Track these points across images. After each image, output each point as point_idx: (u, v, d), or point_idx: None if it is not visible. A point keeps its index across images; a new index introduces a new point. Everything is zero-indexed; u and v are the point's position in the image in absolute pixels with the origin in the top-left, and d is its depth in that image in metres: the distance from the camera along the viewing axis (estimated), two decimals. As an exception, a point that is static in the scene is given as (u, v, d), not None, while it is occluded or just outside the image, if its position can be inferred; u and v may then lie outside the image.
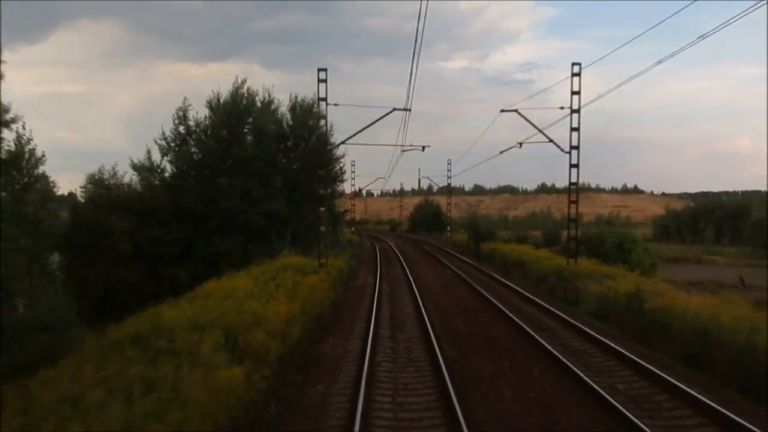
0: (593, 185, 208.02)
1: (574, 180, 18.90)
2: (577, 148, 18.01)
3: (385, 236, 60.49)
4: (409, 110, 18.90)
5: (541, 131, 18.80)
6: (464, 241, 39.08)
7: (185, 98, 26.26)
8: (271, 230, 23.57)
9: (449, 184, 47.65)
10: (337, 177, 28.34)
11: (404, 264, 27.65)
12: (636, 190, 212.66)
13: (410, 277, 22.05)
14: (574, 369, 9.02)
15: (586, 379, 8.49)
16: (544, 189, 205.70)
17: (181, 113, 26.21)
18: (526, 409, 7.56)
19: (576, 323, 12.60)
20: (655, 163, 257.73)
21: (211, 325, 8.31)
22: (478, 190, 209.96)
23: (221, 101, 26.25)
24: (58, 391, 5.97)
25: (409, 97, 29.54)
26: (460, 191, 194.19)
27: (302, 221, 24.93)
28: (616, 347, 10.34)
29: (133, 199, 24.21)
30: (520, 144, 20.60)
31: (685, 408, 7.58)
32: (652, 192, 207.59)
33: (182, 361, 6.79)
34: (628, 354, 9.85)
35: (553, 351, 10.21)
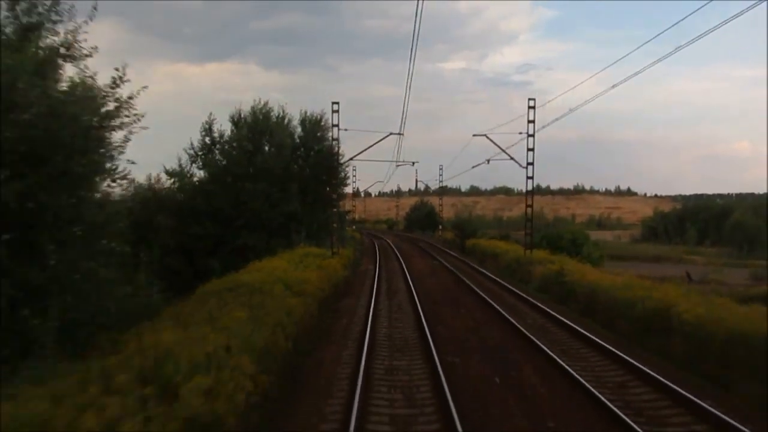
0: (587, 187, 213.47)
1: (530, 188, 24.10)
2: (532, 164, 23.30)
3: (383, 235, 65.76)
4: (402, 134, 24.09)
5: (504, 151, 24.12)
6: (452, 238, 44.36)
7: (211, 113, 31.55)
8: (290, 227, 28.67)
9: (441, 187, 52.87)
10: (342, 182, 33.50)
11: (399, 257, 32.85)
12: (629, 192, 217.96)
13: (404, 266, 27.23)
14: (503, 313, 14.22)
15: (508, 317, 13.69)
16: (538, 190, 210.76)
17: (206, 126, 31.40)
18: (466, 330, 12.75)
19: (518, 292, 17.84)
20: (653, 164, 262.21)
21: (273, 282, 13.43)
22: (474, 191, 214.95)
23: (243, 117, 31.51)
24: (200, 311, 11.06)
25: (402, 122, 34.66)
26: (457, 192, 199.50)
27: (314, 220, 30.06)
28: (537, 303, 15.57)
29: (174, 201, 29.31)
30: (488, 161, 25.88)
31: (563, 333, 12.71)
32: (645, 194, 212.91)
33: (265, 296, 11.89)
34: (542, 307, 15.07)
35: (494, 305, 15.42)
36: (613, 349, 10.41)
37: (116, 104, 11.59)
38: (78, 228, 10.35)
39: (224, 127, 31.49)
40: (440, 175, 51.04)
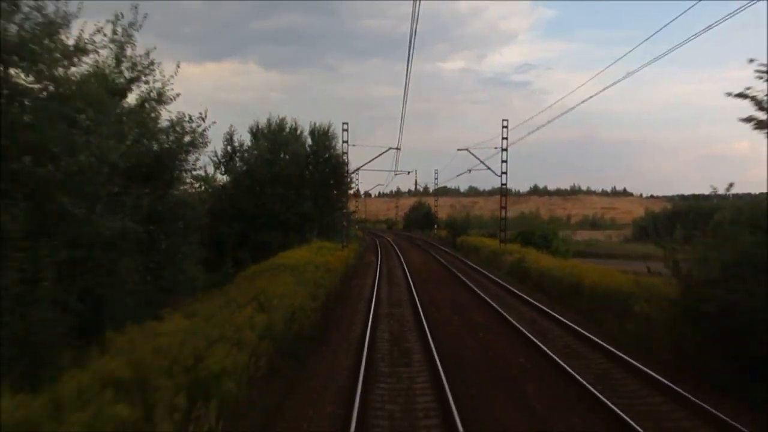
0: (584, 187, 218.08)
1: (504, 193, 29.32)
2: (505, 173, 28.57)
3: (383, 233, 71.04)
4: (399, 149, 29.29)
5: (482, 162, 29.39)
6: (445, 236, 49.64)
7: (231, 125, 36.90)
8: (304, 225, 33.89)
9: (435, 189, 58.07)
10: (348, 188, 38.72)
11: (398, 251, 38.07)
12: (625, 193, 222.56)
13: (401, 258, 32.41)
14: (474, 288, 19.43)
15: (477, 290, 18.91)
16: (536, 191, 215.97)
17: (228, 136, 36.65)
18: (444, 298, 17.97)
19: (490, 275, 23.06)
20: (652, 165, 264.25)
21: (305, 263, 18.57)
22: (472, 192, 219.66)
23: (260, 129, 36.86)
24: (261, 278, 16.21)
25: (399, 137, 39.62)
26: (456, 192, 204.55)
27: (324, 219, 35.26)
28: (501, 282, 20.80)
29: (207, 202, 34.54)
30: (470, 170, 31.17)
31: (512, 299, 17.89)
32: (641, 195, 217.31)
33: (300, 272, 17.03)
34: (504, 284, 20.30)
35: (469, 283, 20.63)
36: (539, 305, 15.62)
37: (196, 135, 16.77)
38: (180, 223, 15.53)
39: (240, 135, 36.81)
40: (435, 178, 56.36)
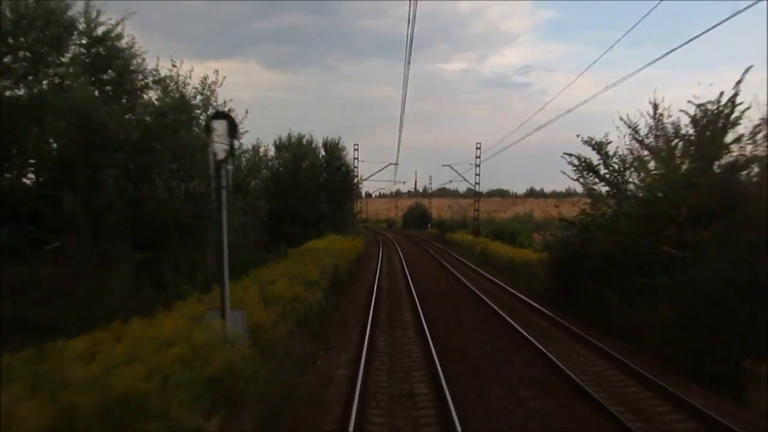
0: (579, 190, 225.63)
1: (476, 193, 38.09)
2: (478, 183, 37.34)
3: (383, 231, 79.73)
4: (397, 164, 38.00)
5: (460, 175, 38.07)
6: (436, 233, 58.51)
7: (257, 138, 45.50)
8: (320, 222, 42.62)
9: (435, 191, 66.77)
10: (356, 194, 47.50)
11: (396, 245, 46.79)
12: None
13: (399, 251, 41.09)
14: (449, 267, 28.17)
15: (451, 269, 27.65)
16: (532, 193, 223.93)
17: (254, 147, 45.29)
18: (427, 274, 26.69)
19: (463, 260, 31.82)
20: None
21: (329, 248, 27.22)
22: (471, 193, 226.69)
23: (282, 143, 45.57)
24: (304, 255, 24.95)
25: (397, 153, 48.17)
26: (455, 194, 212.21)
27: (336, 218, 43.97)
28: (467, 262, 29.58)
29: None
30: (450, 181, 39.89)
31: (475, 274, 26.58)
32: None
33: (329, 253, 25.64)
34: (470, 265, 29.07)
35: (446, 265, 29.37)
36: (485, 273, 24.35)
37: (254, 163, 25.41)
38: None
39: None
40: (430, 183, 65.20)
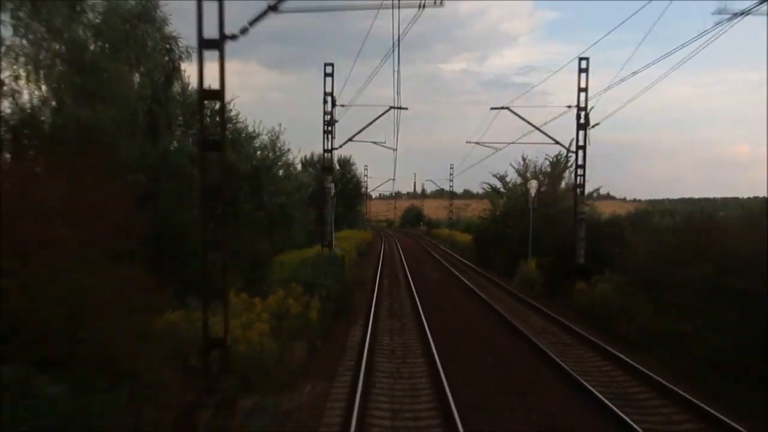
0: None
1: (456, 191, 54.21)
2: (452, 189, 53.32)
3: (384, 230, 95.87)
4: (395, 180, 54.07)
5: (440, 187, 54.06)
6: (425, 230, 74.82)
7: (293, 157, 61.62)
8: (337, 221, 58.63)
9: (425, 193, 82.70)
10: (365, 200, 63.68)
11: (394, 239, 62.85)
12: (608, 197, 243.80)
13: (396, 240, 57.03)
14: (432, 252, 44.20)
15: (433, 253, 43.72)
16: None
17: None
18: (414, 256, 42.74)
19: (435, 243, 48.04)
20: (651, 168, 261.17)
21: (351, 236, 43.00)
22: (467, 195, 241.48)
23: (308, 159, 61.60)
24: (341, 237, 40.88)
25: (394, 171, 64.72)
26: (454, 195, 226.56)
27: (348, 217, 59.97)
28: (442, 247, 45.75)
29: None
30: (428, 190, 55.72)
31: (447, 255, 42.49)
32: (625, 198, 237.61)
33: (350, 240, 41.45)
34: (442, 247, 45.25)
35: (426, 247, 45.51)
36: (446, 250, 40.57)
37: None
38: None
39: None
40: (423, 187, 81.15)
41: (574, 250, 19.78)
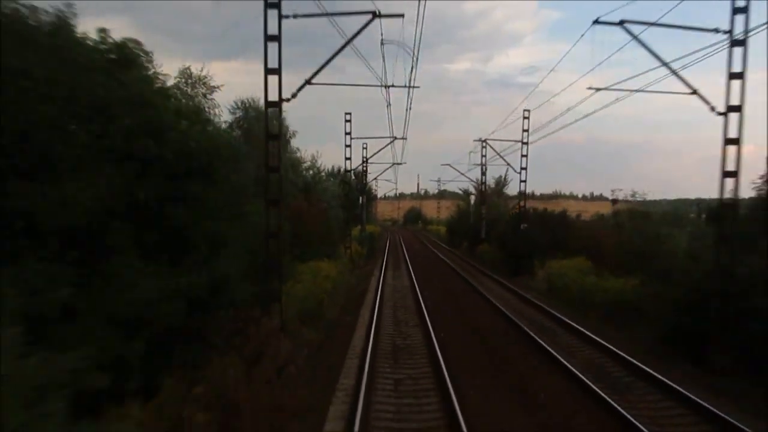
0: (567, 192, 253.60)
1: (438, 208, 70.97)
2: (438, 198, 69.81)
3: (389, 228, 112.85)
4: (397, 187, 70.64)
5: (421, 187, 70.57)
6: (421, 227, 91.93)
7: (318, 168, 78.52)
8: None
9: (427, 194, 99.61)
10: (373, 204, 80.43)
11: (398, 235, 79.53)
12: (601, 197, 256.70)
13: (399, 236, 73.67)
14: (427, 244, 61.03)
15: (427, 244, 60.57)
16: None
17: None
18: (412, 248, 59.40)
19: (428, 235, 65.13)
20: (653, 167, 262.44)
21: (368, 228, 59.59)
22: (466, 196, 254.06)
23: (332, 172, 78.46)
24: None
25: (395, 182, 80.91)
26: (453, 195, 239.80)
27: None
28: (432, 238, 62.73)
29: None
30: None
31: (431, 242, 59.14)
32: (626, 199, 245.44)
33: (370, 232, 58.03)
34: (433, 238, 62.03)
35: (420, 239, 62.34)
36: (433, 239, 57.72)
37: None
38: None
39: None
40: (423, 188, 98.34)
41: (481, 231, 37.00)
